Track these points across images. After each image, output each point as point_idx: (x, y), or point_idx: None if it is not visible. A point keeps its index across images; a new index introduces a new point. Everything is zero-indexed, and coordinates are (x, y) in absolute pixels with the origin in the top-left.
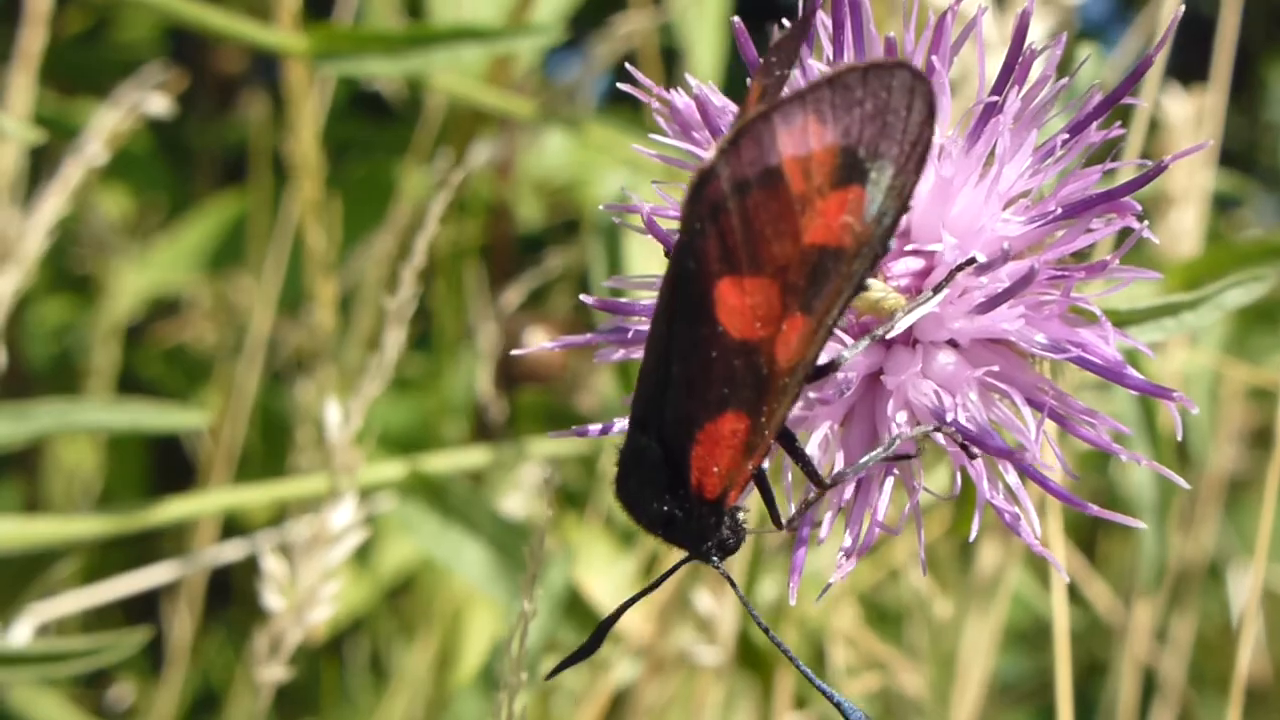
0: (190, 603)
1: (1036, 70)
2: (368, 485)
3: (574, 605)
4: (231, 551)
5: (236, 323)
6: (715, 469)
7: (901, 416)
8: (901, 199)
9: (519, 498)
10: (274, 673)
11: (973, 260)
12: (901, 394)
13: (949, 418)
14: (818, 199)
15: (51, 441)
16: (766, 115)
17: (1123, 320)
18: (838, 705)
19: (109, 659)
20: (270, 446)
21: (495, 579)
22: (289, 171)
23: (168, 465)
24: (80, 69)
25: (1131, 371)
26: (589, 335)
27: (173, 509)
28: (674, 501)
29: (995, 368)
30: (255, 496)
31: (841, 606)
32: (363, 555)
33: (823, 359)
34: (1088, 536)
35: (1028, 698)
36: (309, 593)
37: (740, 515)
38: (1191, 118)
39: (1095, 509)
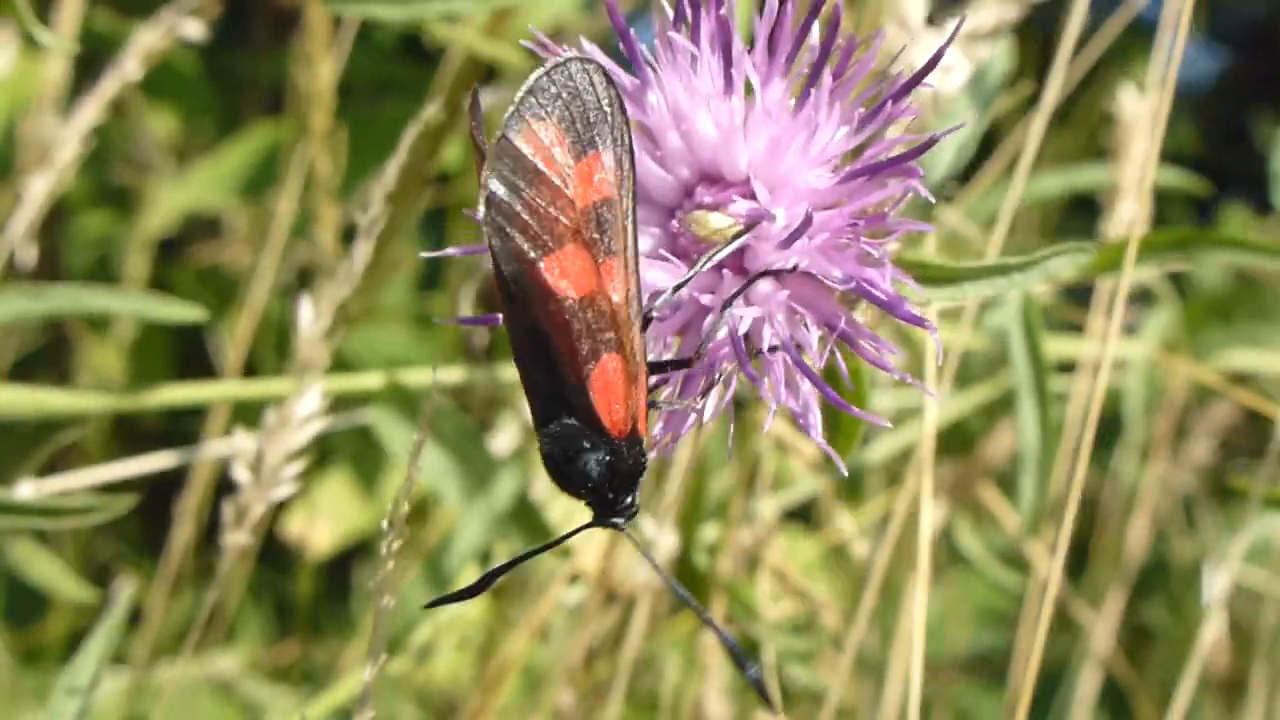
0: (195, 501)
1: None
2: (352, 392)
3: (523, 515)
4: (220, 447)
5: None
6: (617, 405)
7: (721, 332)
8: (625, 145)
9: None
10: (239, 539)
11: (770, 216)
12: (719, 313)
13: (766, 335)
14: (572, 171)
15: (81, 346)
16: (502, 135)
17: (961, 276)
18: (735, 656)
19: (100, 517)
20: (281, 356)
21: (455, 483)
22: (301, 102)
23: (188, 373)
24: None
25: (906, 305)
26: None
27: (166, 395)
28: (604, 452)
29: (801, 296)
30: (244, 390)
31: (772, 542)
32: (368, 482)
33: (666, 284)
34: (1082, 532)
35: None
36: (273, 470)
37: (644, 445)
38: (1145, 115)
39: (856, 410)
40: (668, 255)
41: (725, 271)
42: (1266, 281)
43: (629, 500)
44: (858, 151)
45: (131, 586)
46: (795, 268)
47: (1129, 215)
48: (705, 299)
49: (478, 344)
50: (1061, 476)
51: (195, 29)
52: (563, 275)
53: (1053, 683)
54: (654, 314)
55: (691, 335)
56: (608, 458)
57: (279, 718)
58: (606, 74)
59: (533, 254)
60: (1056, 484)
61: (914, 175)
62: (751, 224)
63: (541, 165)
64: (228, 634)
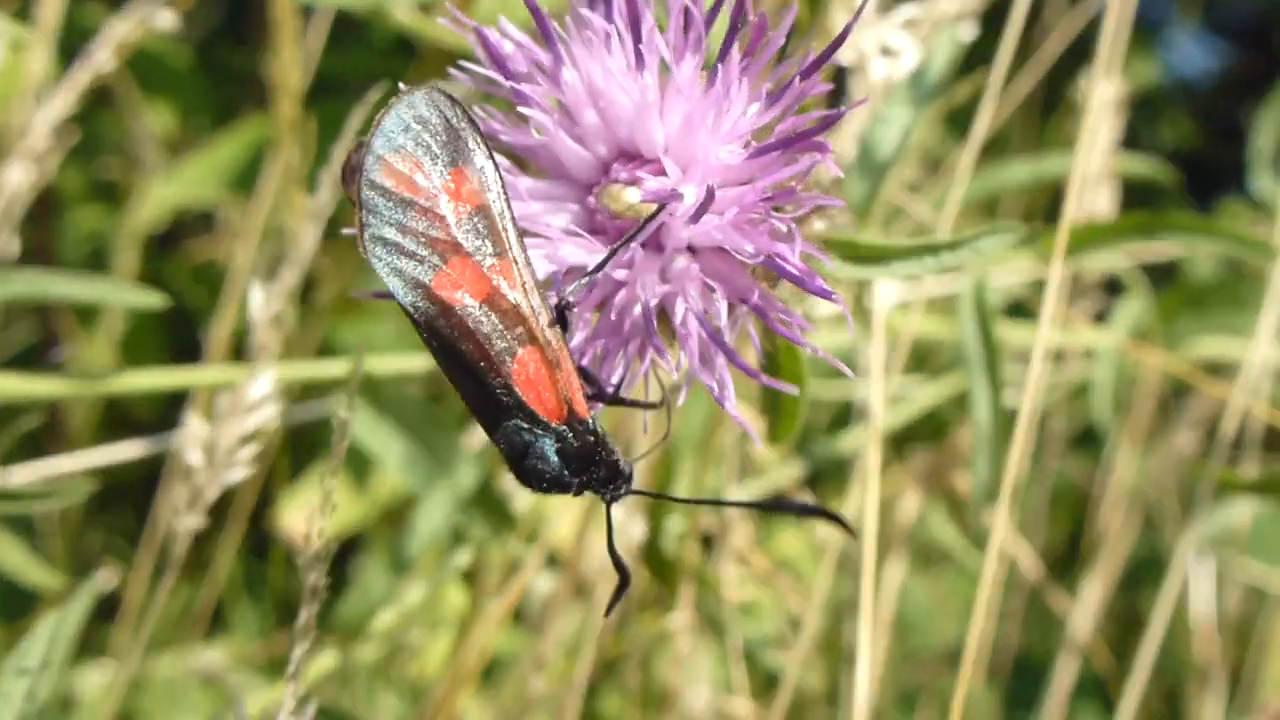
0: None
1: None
2: (320, 380)
3: (486, 501)
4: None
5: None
6: (546, 394)
7: (637, 308)
8: (485, 153)
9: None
10: (191, 521)
11: (678, 195)
12: (632, 288)
13: (679, 309)
14: (439, 190)
15: (73, 343)
16: (365, 178)
17: (890, 255)
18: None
19: (60, 502)
20: None
21: (418, 472)
22: (269, 94)
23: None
24: None
25: (816, 280)
26: None
27: (135, 380)
28: (550, 440)
29: (714, 270)
30: (208, 376)
31: (736, 527)
32: (360, 478)
33: (583, 260)
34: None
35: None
36: (227, 454)
37: (592, 425)
38: (1108, 102)
39: (766, 379)
40: (579, 231)
41: (638, 248)
42: (1245, 271)
43: (602, 474)
44: (771, 128)
45: (115, 577)
46: (690, 246)
47: (1090, 203)
48: (619, 274)
49: None
50: (1025, 462)
51: (168, 19)
52: (456, 287)
53: (1036, 673)
54: (571, 297)
55: (608, 310)
56: (556, 444)
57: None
58: (449, 96)
59: (425, 277)
60: (1024, 469)
61: (824, 150)
62: (661, 202)
63: (407, 194)
64: (221, 628)
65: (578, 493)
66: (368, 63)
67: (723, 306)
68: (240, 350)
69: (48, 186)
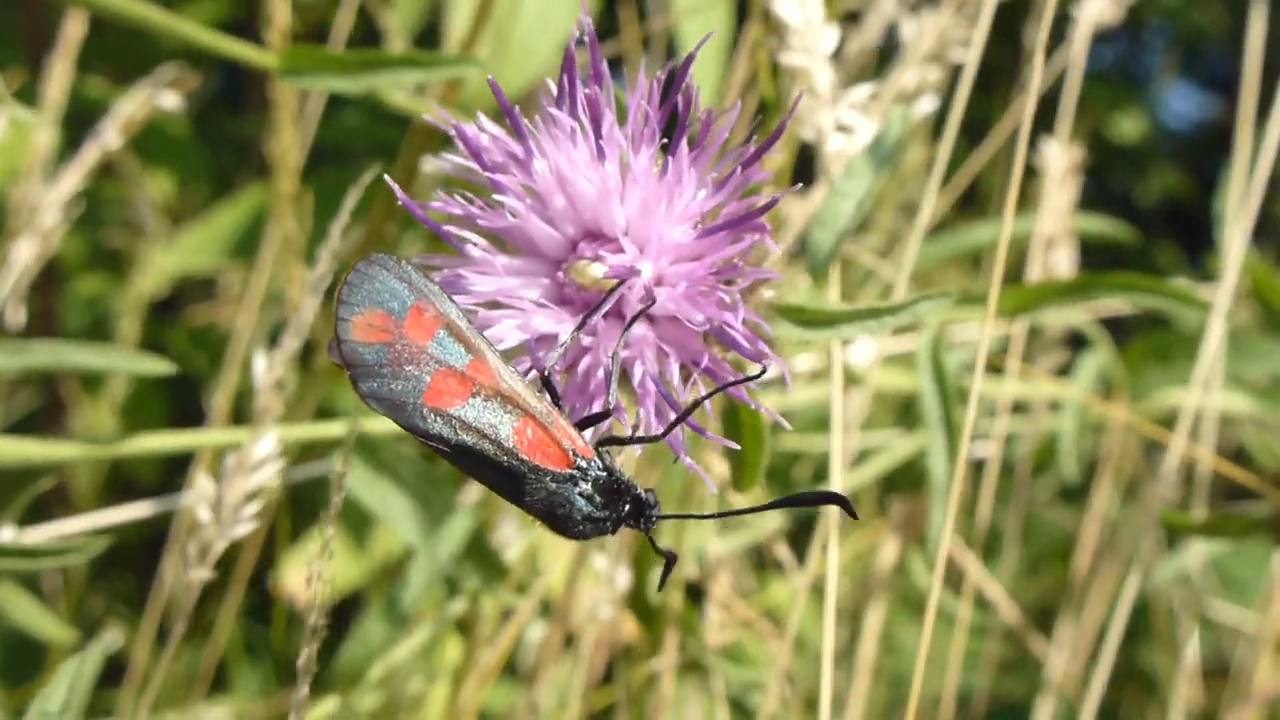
0: (179, 547)
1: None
2: (319, 440)
3: (477, 552)
4: (189, 495)
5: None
6: (550, 449)
7: (600, 371)
8: (434, 289)
9: None
10: (200, 574)
11: (636, 271)
12: (596, 353)
13: (637, 371)
14: (404, 325)
15: (75, 407)
16: (344, 342)
17: (838, 319)
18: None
19: (75, 559)
20: None
21: (414, 525)
22: (269, 168)
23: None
24: (129, 58)
25: (758, 344)
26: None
27: (141, 444)
28: (569, 486)
29: (668, 337)
30: (212, 439)
31: (719, 575)
32: (359, 539)
33: (552, 329)
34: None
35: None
36: (233, 509)
37: (606, 459)
38: (1064, 169)
39: (709, 434)
40: (547, 304)
41: (601, 318)
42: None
43: (629, 508)
44: (718, 211)
45: (120, 638)
46: (647, 310)
47: (1047, 261)
48: (585, 340)
49: None
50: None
51: (172, 100)
52: (444, 394)
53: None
54: (555, 369)
55: (574, 374)
56: (576, 488)
57: None
58: (396, 258)
59: (415, 399)
60: (988, 519)
61: (763, 231)
62: (621, 278)
63: (380, 339)
64: (223, 688)
65: (614, 530)
66: (363, 130)
67: (675, 369)
68: (240, 414)
69: (52, 256)
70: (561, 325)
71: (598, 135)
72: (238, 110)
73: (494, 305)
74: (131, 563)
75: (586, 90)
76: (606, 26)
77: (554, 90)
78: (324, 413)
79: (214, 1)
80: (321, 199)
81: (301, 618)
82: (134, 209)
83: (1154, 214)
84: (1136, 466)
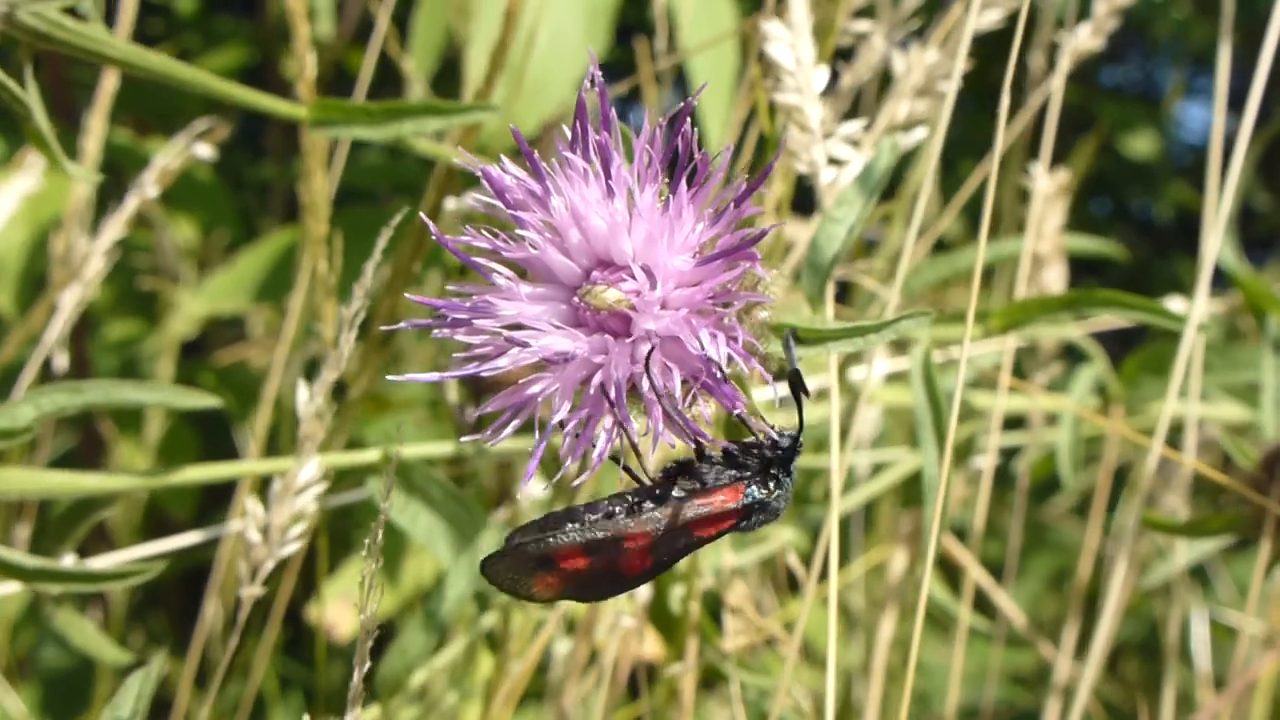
0: (220, 578)
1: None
2: (352, 466)
3: None
4: (236, 524)
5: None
6: (722, 514)
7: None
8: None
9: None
10: (252, 592)
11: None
12: (607, 369)
13: (644, 385)
14: (560, 553)
15: (113, 446)
16: (523, 594)
17: (827, 336)
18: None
19: (136, 580)
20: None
21: (446, 544)
22: (298, 212)
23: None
24: (153, 107)
25: (753, 361)
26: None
27: (188, 474)
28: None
29: (672, 354)
30: (256, 467)
31: (734, 584)
32: (390, 567)
33: (566, 347)
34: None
35: None
36: (280, 531)
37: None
38: (1052, 193)
39: (708, 437)
40: (562, 325)
41: (608, 337)
42: (1237, 334)
43: (779, 455)
44: (715, 242)
45: (164, 665)
46: (650, 336)
47: (1051, 277)
48: (598, 359)
49: (468, 418)
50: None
51: (206, 151)
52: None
53: None
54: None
55: (589, 386)
56: (757, 508)
57: None
58: (508, 542)
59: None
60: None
61: (753, 260)
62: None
63: (547, 565)
64: None
65: (779, 485)
66: (383, 170)
67: (677, 381)
68: (273, 449)
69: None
70: (576, 344)
71: (608, 176)
72: (257, 154)
73: (517, 327)
74: (167, 601)
75: (597, 136)
76: (620, 56)
77: (568, 134)
78: (354, 444)
79: (233, 49)
80: (349, 237)
81: (339, 649)
82: (162, 254)
83: (1169, 228)
84: (1137, 475)
